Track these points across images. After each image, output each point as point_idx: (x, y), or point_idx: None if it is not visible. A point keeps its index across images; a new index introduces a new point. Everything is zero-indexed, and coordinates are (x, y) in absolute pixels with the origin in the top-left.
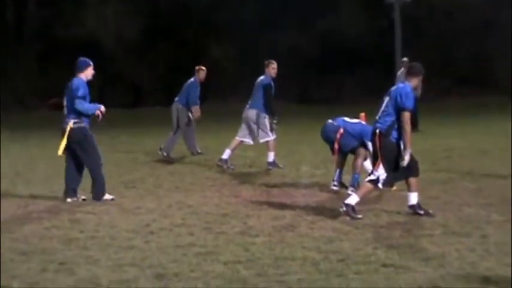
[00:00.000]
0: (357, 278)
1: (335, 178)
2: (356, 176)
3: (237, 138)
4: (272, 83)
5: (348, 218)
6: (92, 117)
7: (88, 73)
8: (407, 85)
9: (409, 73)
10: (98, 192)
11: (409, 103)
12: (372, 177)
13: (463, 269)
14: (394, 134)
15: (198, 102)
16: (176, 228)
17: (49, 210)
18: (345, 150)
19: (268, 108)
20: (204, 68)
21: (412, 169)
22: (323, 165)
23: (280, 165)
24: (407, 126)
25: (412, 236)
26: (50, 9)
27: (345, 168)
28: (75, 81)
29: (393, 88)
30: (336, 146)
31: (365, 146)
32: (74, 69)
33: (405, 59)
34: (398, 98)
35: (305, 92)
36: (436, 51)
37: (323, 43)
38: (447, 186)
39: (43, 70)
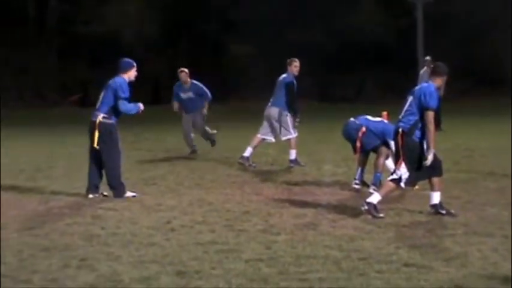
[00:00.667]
0: (378, 277)
1: (357, 177)
2: (378, 174)
3: (259, 136)
4: (294, 81)
5: (369, 217)
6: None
7: (131, 74)
8: (431, 84)
9: (434, 73)
10: (118, 190)
11: (433, 102)
12: (395, 176)
13: (486, 269)
14: (417, 133)
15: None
16: (197, 226)
17: (70, 207)
18: (366, 149)
19: (291, 107)
20: (186, 70)
21: (436, 168)
22: (344, 163)
23: (302, 163)
24: (431, 126)
25: (434, 235)
26: (70, 4)
27: (367, 167)
28: (118, 81)
29: (417, 87)
30: (358, 144)
31: (387, 145)
32: (94, 65)
33: (428, 57)
34: (422, 98)
35: (326, 91)
36: (457, 50)
37: (344, 41)
38: (469, 185)
39: (63, 66)
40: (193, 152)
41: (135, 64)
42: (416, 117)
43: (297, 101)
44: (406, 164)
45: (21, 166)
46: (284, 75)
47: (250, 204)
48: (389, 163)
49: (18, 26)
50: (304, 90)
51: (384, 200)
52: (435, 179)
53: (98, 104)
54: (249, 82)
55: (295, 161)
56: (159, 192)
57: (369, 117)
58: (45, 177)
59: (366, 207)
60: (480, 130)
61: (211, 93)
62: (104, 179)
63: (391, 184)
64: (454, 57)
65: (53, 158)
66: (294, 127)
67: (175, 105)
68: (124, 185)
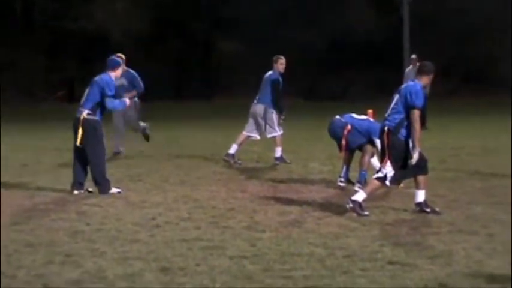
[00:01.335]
0: (362, 275)
1: (342, 174)
2: (363, 172)
3: (244, 133)
4: (280, 79)
5: (354, 215)
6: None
7: (118, 73)
8: (417, 83)
9: (420, 71)
10: (103, 186)
11: (419, 101)
12: (380, 174)
13: (470, 267)
14: (403, 131)
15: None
16: (182, 222)
17: (55, 202)
18: (352, 147)
19: (277, 104)
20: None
21: (421, 167)
22: (330, 161)
23: (288, 161)
24: (417, 125)
25: (419, 233)
26: (59, 1)
27: (352, 165)
28: (105, 78)
29: (403, 86)
30: (343, 142)
31: (372, 143)
32: (82, 63)
33: (414, 56)
34: (408, 96)
35: (313, 88)
36: (445, 48)
37: (332, 39)
38: (455, 184)
39: (51, 62)
40: (117, 153)
41: (121, 62)
42: (402, 116)
43: (282, 99)
44: (391, 162)
45: (6, 162)
46: (270, 72)
47: (235, 201)
48: (375, 161)
49: (5, 23)
50: (291, 87)
51: (368, 198)
52: (420, 178)
53: (83, 100)
54: (238, 80)
55: (280, 159)
56: (144, 189)
57: (354, 115)
58: (30, 173)
59: (351, 205)
60: (467, 129)
61: (200, 90)
62: (89, 175)
63: (376, 182)
64: (441, 56)
65: (39, 153)
66: (279, 124)
67: None
68: (109, 181)
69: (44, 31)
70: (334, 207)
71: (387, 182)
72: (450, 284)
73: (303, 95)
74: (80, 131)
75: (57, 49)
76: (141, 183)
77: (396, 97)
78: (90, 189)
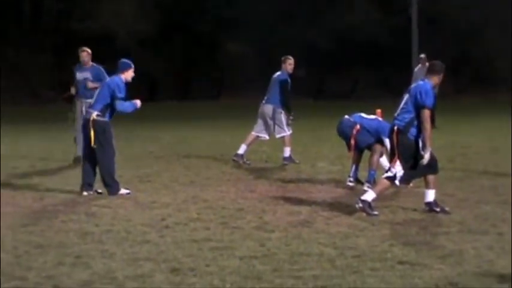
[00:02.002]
0: (372, 275)
1: (351, 174)
2: (372, 172)
3: (253, 133)
4: (289, 79)
5: (364, 215)
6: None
7: (128, 75)
8: (427, 83)
9: (430, 71)
10: (112, 187)
11: (429, 101)
12: (389, 174)
13: (480, 267)
14: (413, 131)
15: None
16: (192, 223)
17: (65, 204)
18: (361, 146)
19: (285, 104)
20: (88, 50)
21: (431, 166)
22: (339, 161)
23: (296, 161)
24: (427, 124)
25: (429, 233)
26: (65, 2)
27: (361, 164)
28: (116, 80)
29: (413, 85)
30: (352, 141)
31: (381, 143)
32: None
33: (423, 55)
34: (418, 96)
35: (321, 88)
36: (453, 47)
37: (339, 39)
38: (463, 183)
39: (58, 63)
40: (77, 159)
41: (132, 65)
42: (412, 115)
43: (291, 99)
44: (401, 161)
45: (15, 163)
46: (278, 73)
47: (244, 202)
48: (384, 161)
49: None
50: (299, 87)
51: (378, 198)
52: (430, 177)
53: (93, 102)
54: (244, 80)
55: (289, 159)
56: (154, 190)
57: (363, 114)
58: (39, 175)
59: (360, 205)
60: (475, 128)
61: (208, 90)
62: (98, 176)
63: (386, 182)
64: (448, 55)
65: (48, 155)
66: (288, 124)
67: (73, 89)
68: (118, 182)
69: (50, 32)
70: (344, 207)
71: (397, 182)
72: (460, 283)
73: (311, 94)
74: (92, 132)
75: (63, 50)
76: (150, 184)
77: (406, 97)
78: (100, 191)
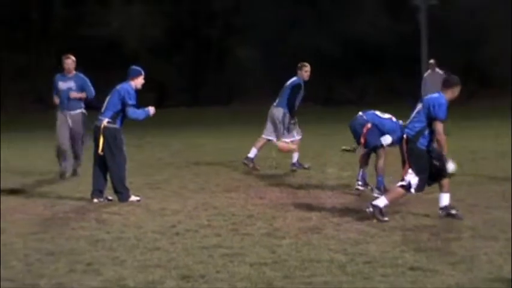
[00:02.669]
0: (383, 281)
1: (359, 178)
2: (380, 178)
3: (263, 137)
4: (302, 84)
5: (374, 220)
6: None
7: (138, 82)
8: (442, 96)
9: (445, 85)
10: (123, 194)
11: (442, 114)
12: (403, 182)
13: (492, 273)
14: (423, 141)
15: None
16: (202, 230)
17: (76, 211)
18: (368, 147)
19: (290, 107)
20: (72, 57)
21: (443, 171)
22: (349, 167)
23: (306, 166)
24: (440, 137)
25: (440, 239)
26: (74, 8)
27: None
28: (126, 87)
29: (427, 97)
30: (362, 140)
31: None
32: (98, 69)
33: (432, 61)
34: (431, 108)
35: (329, 94)
36: (461, 52)
37: (347, 44)
38: (473, 188)
39: None
40: (63, 174)
41: (143, 72)
42: (423, 125)
43: (297, 103)
44: (413, 170)
45: (25, 170)
46: (294, 79)
47: (254, 208)
48: None
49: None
50: (308, 93)
51: (390, 205)
52: (444, 181)
53: (103, 109)
54: (252, 85)
55: (297, 164)
56: (164, 197)
57: (378, 112)
58: (49, 182)
59: (371, 209)
60: (484, 133)
61: (217, 96)
62: (109, 183)
63: (400, 190)
64: (457, 60)
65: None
66: (293, 130)
67: (56, 99)
68: (128, 189)
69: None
70: (354, 213)
71: (412, 191)
72: None
73: (319, 100)
74: (102, 138)
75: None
76: (160, 191)
77: (419, 106)
78: (110, 198)
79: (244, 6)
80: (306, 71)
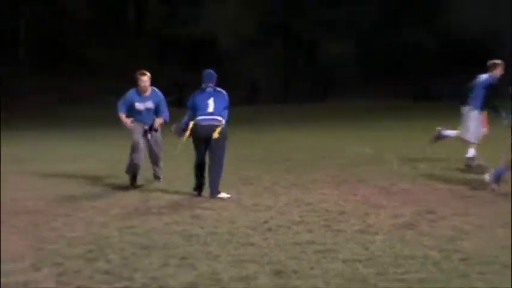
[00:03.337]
0: (480, 279)
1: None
2: (500, 170)
3: (462, 136)
4: (495, 82)
5: (470, 217)
6: None
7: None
8: None
9: None
10: (216, 190)
11: None
12: None
13: None
14: None
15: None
16: (294, 226)
17: (169, 206)
18: None
19: (489, 105)
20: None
21: None
22: (442, 163)
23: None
24: None
25: None
26: (168, 6)
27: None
28: (222, 91)
29: None
30: None
31: None
32: (191, 67)
33: None
34: None
35: (428, 89)
36: None
37: (446, 39)
38: None
39: (161, 67)
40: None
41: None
42: None
43: (496, 100)
44: None
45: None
46: (486, 76)
47: (347, 204)
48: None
49: (118, 29)
50: (404, 89)
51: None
52: None
53: (211, 109)
54: (345, 82)
55: (472, 159)
56: (256, 192)
57: None
58: (145, 177)
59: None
60: None
61: (310, 92)
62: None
63: None
64: None
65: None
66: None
67: (126, 119)
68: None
69: (154, 36)
70: (448, 210)
71: None
72: None
73: (417, 96)
74: (216, 136)
75: (167, 53)
76: (253, 187)
77: None
78: (228, 196)
79: (338, 1)
80: (500, 69)
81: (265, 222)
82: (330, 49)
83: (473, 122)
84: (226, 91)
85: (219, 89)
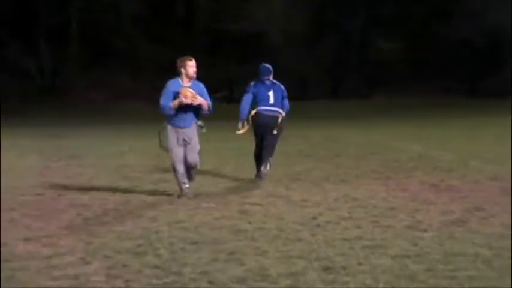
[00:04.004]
0: None
1: None
2: None
3: None
4: None
5: None
6: None
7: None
8: None
9: None
10: (266, 162)
11: None
12: None
13: None
14: None
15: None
16: (343, 222)
17: (218, 201)
18: None
19: None
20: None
21: None
22: (493, 160)
23: None
24: None
25: None
26: (219, 3)
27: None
28: (279, 84)
29: None
30: None
31: None
32: (241, 62)
33: None
34: None
35: (475, 86)
36: None
37: (494, 36)
38: None
39: (211, 63)
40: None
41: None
42: None
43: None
44: None
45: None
46: None
47: (396, 200)
48: None
49: (168, 25)
50: (453, 85)
51: None
52: None
53: (272, 101)
54: (395, 79)
55: None
56: (304, 188)
57: None
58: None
59: None
60: None
61: (358, 89)
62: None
63: None
64: None
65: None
66: None
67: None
68: None
69: (204, 32)
70: (498, 207)
71: None
72: None
73: (464, 92)
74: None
75: (217, 50)
76: (301, 182)
77: None
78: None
79: None
80: None
81: (314, 218)
82: (379, 46)
83: None
84: None
85: (276, 82)
